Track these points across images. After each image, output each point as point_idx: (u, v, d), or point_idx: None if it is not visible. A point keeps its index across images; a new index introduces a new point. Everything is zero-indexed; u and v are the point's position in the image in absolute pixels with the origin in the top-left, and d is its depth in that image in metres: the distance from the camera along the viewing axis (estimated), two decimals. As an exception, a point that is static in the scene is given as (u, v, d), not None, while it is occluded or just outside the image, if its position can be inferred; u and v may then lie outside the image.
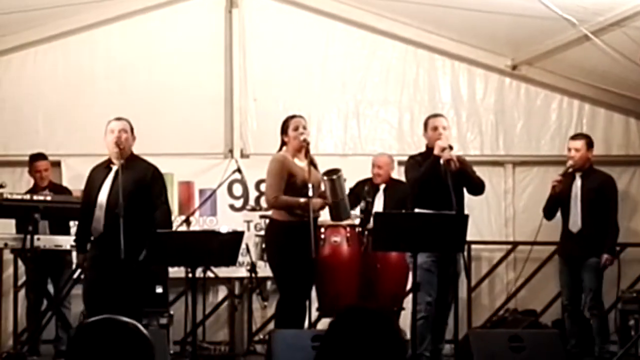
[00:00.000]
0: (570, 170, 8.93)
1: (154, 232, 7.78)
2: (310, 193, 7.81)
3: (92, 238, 8.04)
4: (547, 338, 7.67)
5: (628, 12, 8.76)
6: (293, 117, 8.24)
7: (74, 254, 9.18)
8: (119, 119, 8.11)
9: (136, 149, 8.82)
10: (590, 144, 9.05)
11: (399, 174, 9.80)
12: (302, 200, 7.88)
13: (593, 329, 8.87)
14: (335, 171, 8.07)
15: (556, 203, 9.00)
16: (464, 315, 10.06)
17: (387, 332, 3.39)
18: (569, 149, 9.04)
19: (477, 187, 8.52)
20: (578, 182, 8.93)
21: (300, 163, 8.05)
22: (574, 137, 9.22)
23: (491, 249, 10.53)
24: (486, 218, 10.47)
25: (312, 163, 8.02)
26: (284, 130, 8.14)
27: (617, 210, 9.10)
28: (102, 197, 7.92)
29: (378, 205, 9.25)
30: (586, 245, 8.83)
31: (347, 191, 8.32)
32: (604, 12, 8.90)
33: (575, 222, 8.88)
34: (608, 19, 8.97)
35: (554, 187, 8.92)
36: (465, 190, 8.44)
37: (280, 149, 8.19)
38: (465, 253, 9.53)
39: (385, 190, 9.52)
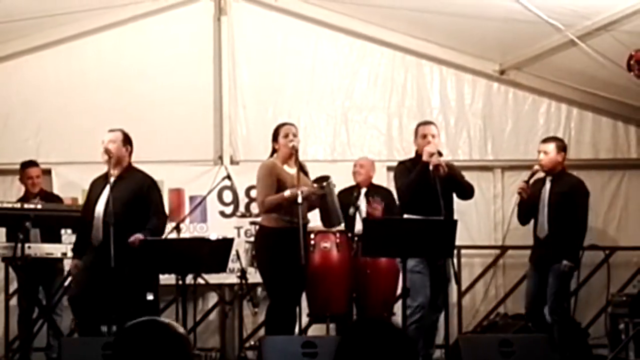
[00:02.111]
0: (538, 175, 8.79)
1: (145, 240, 7.89)
2: (300, 200, 7.84)
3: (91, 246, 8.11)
4: (537, 342, 7.69)
5: (615, 15, 8.79)
6: (284, 124, 8.29)
7: (65, 261, 9.26)
8: (112, 130, 8.22)
9: (126, 157, 8.87)
10: (561, 148, 8.84)
11: (387, 179, 9.85)
12: (287, 193, 7.89)
13: (555, 337, 8.52)
14: (325, 178, 8.11)
15: (528, 208, 8.84)
16: (455, 320, 10.10)
17: (401, 342, 3.44)
18: (539, 152, 8.89)
19: (467, 192, 8.55)
20: (547, 187, 8.77)
21: (291, 170, 8.09)
22: (545, 140, 9.02)
23: (481, 254, 10.56)
24: (475, 223, 10.51)
25: (302, 170, 8.05)
26: (275, 137, 8.18)
27: (587, 215, 8.89)
28: (100, 207, 8.02)
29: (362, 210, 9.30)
30: (554, 251, 8.62)
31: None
32: (591, 16, 8.93)
33: (543, 228, 8.71)
34: (595, 22, 9.00)
35: (520, 194, 8.79)
36: (454, 195, 8.47)
37: (272, 156, 8.22)
38: (455, 258, 9.61)
39: (366, 194, 9.57)
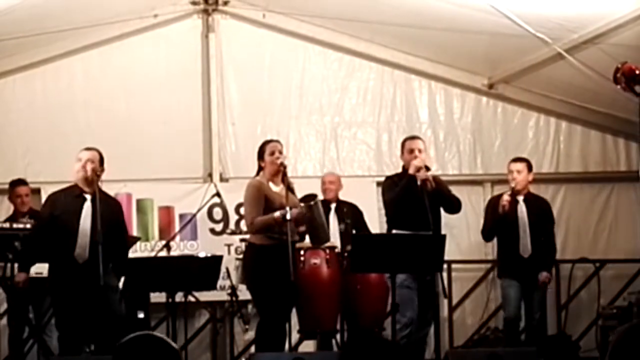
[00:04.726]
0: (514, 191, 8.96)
1: (134, 258, 7.91)
2: (288, 217, 7.83)
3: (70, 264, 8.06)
4: (526, 356, 7.68)
5: (602, 28, 8.82)
6: (269, 141, 8.27)
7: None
8: (88, 148, 8.13)
9: (116, 175, 8.88)
10: (530, 167, 9.11)
11: (377, 194, 9.85)
12: (277, 214, 7.88)
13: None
14: (313, 197, 8.11)
15: (498, 225, 8.98)
16: (446, 335, 10.10)
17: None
18: (511, 171, 9.05)
19: (454, 206, 8.56)
20: (523, 207, 8.98)
21: (276, 188, 8.07)
22: (515, 160, 9.20)
23: (472, 268, 10.55)
24: (466, 237, 10.49)
25: (289, 187, 8.03)
26: (261, 155, 8.17)
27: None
28: (85, 225, 7.93)
29: (334, 225, 9.35)
30: (536, 269, 8.89)
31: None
32: (578, 29, 8.96)
33: (526, 247, 8.91)
34: (582, 36, 9.04)
35: (503, 207, 8.85)
36: (442, 209, 8.48)
37: (258, 174, 8.21)
38: (446, 273, 9.63)
39: (336, 210, 9.64)
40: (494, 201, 9.16)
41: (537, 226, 8.97)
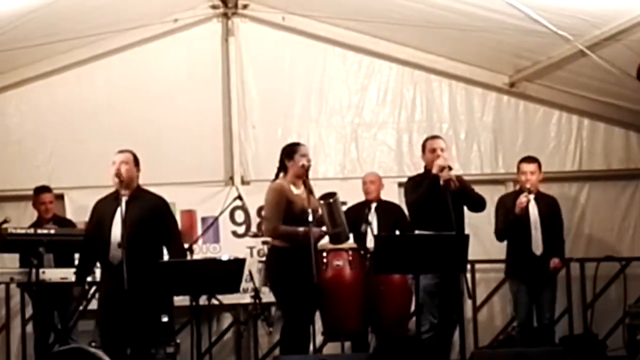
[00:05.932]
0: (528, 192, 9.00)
1: (158, 262, 7.90)
2: (310, 219, 7.81)
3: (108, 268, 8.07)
4: (553, 356, 7.65)
5: (625, 24, 8.72)
6: (300, 144, 8.29)
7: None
8: (122, 151, 8.18)
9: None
10: (540, 167, 9.16)
11: (399, 195, 9.83)
12: (302, 229, 7.87)
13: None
14: (332, 195, 8.05)
15: (513, 225, 9.02)
16: (471, 335, 10.06)
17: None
18: (524, 172, 9.08)
19: (478, 204, 8.55)
20: (534, 205, 9.02)
21: (297, 190, 8.07)
22: (527, 160, 9.21)
23: (496, 268, 10.46)
24: (489, 237, 10.39)
25: (310, 190, 8.01)
26: (290, 155, 8.13)
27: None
28: (116, 228, 7.94)
29: (374, 225, 9.33)
30: (547, 267, 8.98)
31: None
32: (601, 25, 8.88)
33: (538, 245, 8.98)
34: (604, 32, 8.95)
35: (522, 208, 8.90)
36: (466, 208, 8.46)
37: (277, 176, 8.19)
38: (470, 273, 9.60)
39: (376, 209, 9.59)
40: (505, 200, 9.19)
41: (548, 224, 9.02)
